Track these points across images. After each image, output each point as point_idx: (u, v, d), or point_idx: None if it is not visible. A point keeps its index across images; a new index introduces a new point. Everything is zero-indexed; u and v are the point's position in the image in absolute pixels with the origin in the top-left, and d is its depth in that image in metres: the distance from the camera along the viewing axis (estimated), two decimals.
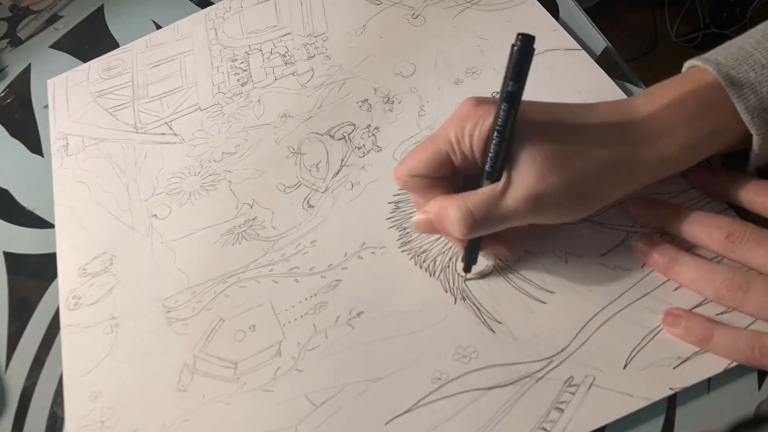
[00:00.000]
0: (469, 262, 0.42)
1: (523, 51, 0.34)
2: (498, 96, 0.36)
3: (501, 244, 0.42)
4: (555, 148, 0.36)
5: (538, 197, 0.36)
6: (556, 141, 0.36)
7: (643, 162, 0.37)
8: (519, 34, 0.34)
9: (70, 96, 0.62)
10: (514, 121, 0.35)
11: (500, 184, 0.36)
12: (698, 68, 0.39)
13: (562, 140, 0.36)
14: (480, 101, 0.38)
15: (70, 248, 0.51)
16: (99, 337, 0.46)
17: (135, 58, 0.63)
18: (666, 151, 0.37)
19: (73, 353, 0.46)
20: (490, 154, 0.36)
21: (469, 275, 0.43)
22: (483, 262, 0.43)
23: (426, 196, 0.39)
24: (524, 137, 0.36)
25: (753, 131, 0.37)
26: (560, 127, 0.37)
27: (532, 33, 0.34)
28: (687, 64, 0.41)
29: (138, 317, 0.46)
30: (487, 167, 0.37)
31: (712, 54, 0.39)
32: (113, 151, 0.56)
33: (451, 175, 0.39)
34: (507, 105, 0.35)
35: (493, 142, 0.36)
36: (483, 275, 0.43)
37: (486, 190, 0.36)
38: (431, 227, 0.39)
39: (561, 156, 0.36)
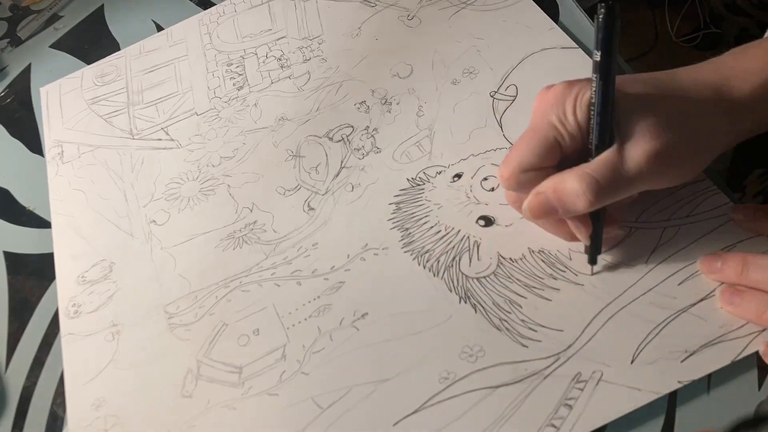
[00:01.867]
0: (594, 252, 0.40)
1: (608, 19, 0.34)
2: (592, 70, 0.36)
3: (615, 224, 0.40)
4: (660, 110, 0.36)
5: (658, 154, 0.35)
6: (659, 103, 0.36)
7: (740, 115, 0.37)
8: (600, 3, 0.34)
9: (64, 103, 0.61)
10: (614, 88, 0.35)
11: (615, 147, 0.35)
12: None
13: (664, 102, 0.36)
14: (570, 82, 0.37)
15: (69, 256, 0.51)
16: (101, 345, 0.45)
17: (129, 64, 0.63)
18: (759, 104, 0.37)
19: (75, 361, 0.45)
20: (597, 125, 0.36)
21: (596, 267, 0.41)
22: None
23: None
24: (627, 105, 0.36)
25: None
26: (659, 91, 0.37)
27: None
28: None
29: (140, 324, 0.46)
30: (595, 140, 0.36)
31: None
32: (109, 158, 0.56)
33: (557, 165, 0.38)
34: (602, 75, 0.35)
35: (598, 111, 0.35)
36: (610, 267, 0.41)
37: (603, 156, 0.36)
38: (547, 208, 0.37)
39: (668, 115, 0.36)
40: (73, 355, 0.46)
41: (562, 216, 0.37)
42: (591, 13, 0.54)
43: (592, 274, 0.41)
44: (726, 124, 0.37)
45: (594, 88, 0.35)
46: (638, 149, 0.35)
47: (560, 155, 0.38)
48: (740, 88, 0.37)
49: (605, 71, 0.35)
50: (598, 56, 0.35)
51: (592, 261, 0.41)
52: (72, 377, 0.45)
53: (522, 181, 0.37)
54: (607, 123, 0.36)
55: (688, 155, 0.36)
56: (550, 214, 0.37)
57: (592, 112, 0.36)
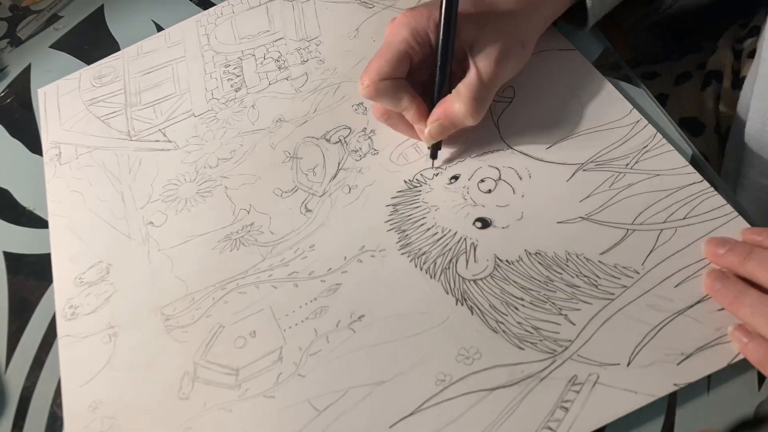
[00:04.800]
0: (436, 148, 0.48)
1: None
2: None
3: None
4: (489, 23, 0.45)
5: (499, 57, 0.44)
6: (486, 17, 0.45)
7: (542, 5, 0.48)
8: None
9: (62, 104, 0.61)
10: (456, 10, 0.43)
11: (472, 68, 0.44)
12: None
13: (490, 15, 0.45)
14: (413, 8, 0.46)
15: (66, 258, 0.51)
16: (97, 347, 0.45)
17: (126, 65, 0.63)
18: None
19: (71, 363, 0.45)
20: (449, 41, 0.44)
21: (437, 162, 0.48)
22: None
23: (395, 99, 0.45)
24: (465, 23, 0.44)
25: None
26: (483, 7, 0.46)
27: None
28: None
29: (136, 326, 0.46)
30: (442, 51, 0.44)
31: None
32: (107, 159, 0.56)
33: (408, 74, 0.46)
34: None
35: (447, 29, 0.44)
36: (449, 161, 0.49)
37: (469, 77, 0.44)
38: (443, 129, 0.46)
39: (494, 25, 0.45)
40: (70, 357, 0.46)
41: (452, 131, 0.47)
42: None
43: (433, 168, 0.48)
44: (535, 16, 0.47)
45: (443, 13, 0.43)
46: (486, 59, 0.44)
47: (409, 66, 0.45)
48: None
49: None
50: None
51: (434, 156, 0.48)
52: (68, 379, 0.45)
53: (380, 90, 0.44)
54: (452, 43, 0.44)
55: (518, 48, 0.46)
56: (446, 134, 0.46)
57: (440, 32, 0.44)
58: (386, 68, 0.44)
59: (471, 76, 0.44)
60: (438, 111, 0.45)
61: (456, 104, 0.44)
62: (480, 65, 0.44)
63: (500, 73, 0.45)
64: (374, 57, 0.45)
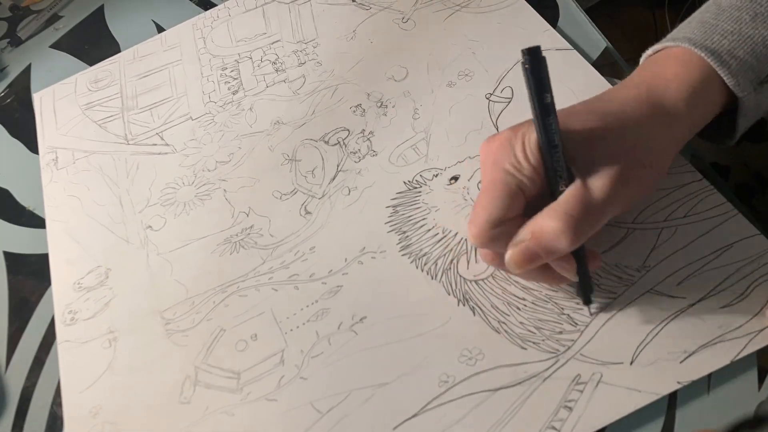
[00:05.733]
0: (587, 291, 0.39)
1: (534, 64, 0.35)
2: (532, 112, 0.36)
3: (596, 259, 0.39)
4: (608, 138, 0.37)
5: (618, 178, 0.36)
6: (605, 132, 0.37)
7: (677, 124, 0.38)
8: (524, 51, 0.35)
9: (58, 109, 0.61)
10: (557, 126, 0.36)
11: (578, 182, 0.36)
12: (676, 50, 0.40)
13: (609, 130, 0.37)
14: (513, 128, 0.38)
15: (64, 263, 0.50)
16: (97, 352, 0.45)
17: (123, 69, 0.62)
18: (690, 110, 0.38)
19: (71, 369, 0.45)
20: (553, 164, 0.36)
21: (593, 307, 0.40)
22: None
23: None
24: (575, 140, 0.36)
25: (738, 93, 0.38)
26: (600, 119, 0.37)
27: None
28: (654, 49, 0.42)
29: (137, 330, 0.46)
30: (553, 177, 0.36)
31: (677, 34, 0.40)
32: (104, 164, 0.56)
33: (523, 212, 0.38)
34: (543, 114, 0.35)
35: (552, 151, 0.36)
36: (603, 306, 0.40)
37: (570, 192, 0.36)
38: (531, 255, 0.36)
39: (615, 141, 0.37)
40: (70, 362, 0.45)
41: (546, 259, 0.37)
42: (591, 13, 0.55)
43: (591, 314, 0.40)
44: (666, 136, 0.38)
45: (544, 129, 0.35)
46: (599, 179, 0.36)
47: (524, 202, 0.37)
48: (671, 98, 0.38)
49: (544, 114, 0.35)
50: (542, 98, 0.35)
51: (587, 301, 0.40)
52: (68, 385, 0.44)
53: (494, 236, 0.37)
54: (561, 162, 0.36)
55: (643, 172, 0.37)
56: (535, 261, 0.36)
57: (544, 155, 0.36)
58: (497, 212, 0.36)
59: (573, 189, 0.36)
60: (524, 231, 0.36)
61: (549, 221, 0.35)
62: (589, 180, 0.36)
63: (613, 193, 0.36)
64: (480, 196, 0.37)
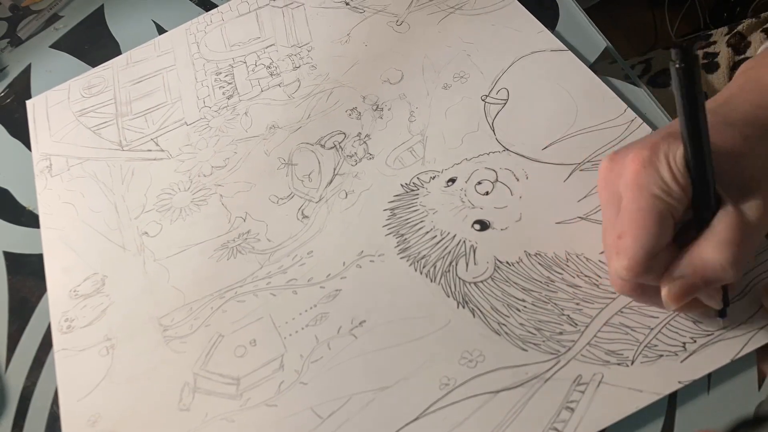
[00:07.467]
0: (726, 306, 0.37)
1: (687, 64, 0.31)
2: (681, 125, 0.33)
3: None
4: (755, 152, 0.35)
5: None
6: (748, 146, 0.35)
7: None
8: (674, 49, 0.31)
9: (51, 116, 0.61)
10: (708, 141, 0.33)
11: (730, 206, 0.33)
12: None
13: (750, 144, 0.35)
14: (651, 144, 0.35)
15: (60, 271, 0.50)
16: (95, 360, 0.45)
17: (116, 75, 0.62)
18: None
19: (69, 377, 0.45)
20: (703, 186, 0.34)
21: (726, 320, 0.38)
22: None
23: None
24: (719, 157, 0.34)
25: None
26: (739, 132, 0.35)
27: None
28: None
29: (134, 337, 0.45)
30: (705, 199, 0.34)
31: None
32: (99, 170, 0.55)
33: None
34: (696, 127, 0.33)
35: (707, 171, 0.33)
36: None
37: (727, 219, 0.33)
38: (692, 290, 0.34)
39: (761, 156, 0.35)
40: (67, 370, 0.45)
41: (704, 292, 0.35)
42: (591, 13, 0.55)
43: (723, 327, 0.38)
44: None
45: (691, 149, 0.33)
46: (753, 201, 0.33)
47: (674, 227, 0.35)
48: None
49: (696, 126, 0.32)
50: (691, 105, 0.32)
51: (723, 314, 0.38)
52: (66, 393, 0.44)
53: (648, 268, 0.34)
54: (710, 182, 0.33)
55: None
56: (693, 295, 0.35)
57: (692, 170, 0.33)
58: (651, 243, 0.34)
59: (730, 215, 0.33)
60: (684, 266, 0.34)
61: (712, 253, 0.33)
62: (742, 204, 0.33)
63: (766, 216, 0.33)
64: (626, 225, 0.34)
